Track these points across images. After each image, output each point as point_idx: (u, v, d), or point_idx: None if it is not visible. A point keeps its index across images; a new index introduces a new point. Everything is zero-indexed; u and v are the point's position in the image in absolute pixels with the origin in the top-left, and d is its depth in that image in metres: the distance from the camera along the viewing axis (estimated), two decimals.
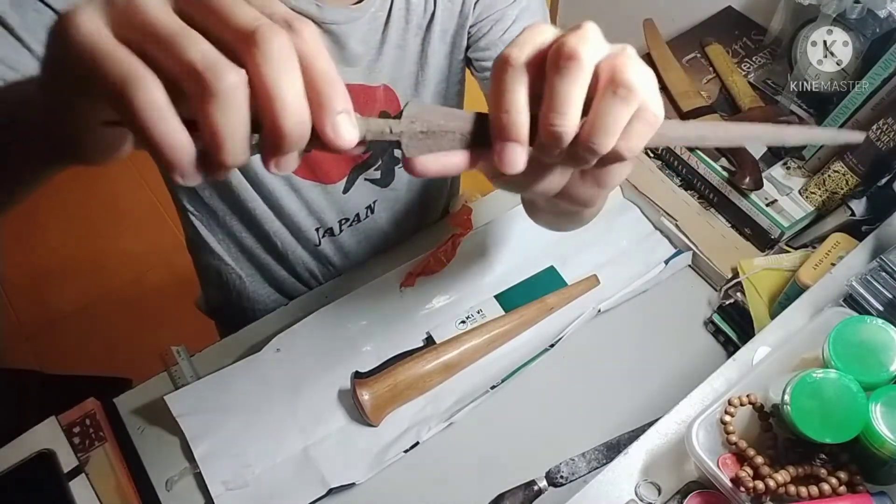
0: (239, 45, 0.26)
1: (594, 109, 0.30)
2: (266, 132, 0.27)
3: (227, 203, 0.78)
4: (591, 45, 0.30)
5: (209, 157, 0.26)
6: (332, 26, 0.63)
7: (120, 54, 0.25)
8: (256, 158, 0.70)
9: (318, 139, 0.28)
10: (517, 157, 0.31)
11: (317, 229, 0.82)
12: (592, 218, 0.52)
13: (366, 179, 0.79)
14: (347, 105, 0.28)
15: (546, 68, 0.30)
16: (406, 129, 0.31)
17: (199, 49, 0.25)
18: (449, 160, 0.32)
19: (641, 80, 0.30)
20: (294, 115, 0.26)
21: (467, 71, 0.77)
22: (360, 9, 0.64)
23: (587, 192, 0.38)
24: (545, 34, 0.31)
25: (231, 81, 0.25)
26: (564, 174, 0.35)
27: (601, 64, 0.30)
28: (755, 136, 0.36)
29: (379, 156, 0.77)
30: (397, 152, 0.78)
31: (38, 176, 0.39)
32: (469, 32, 0.71)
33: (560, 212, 0.51)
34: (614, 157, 0.31)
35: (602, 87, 0.30)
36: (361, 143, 0.30)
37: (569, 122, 0.30)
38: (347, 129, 0.28)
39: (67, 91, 0.28)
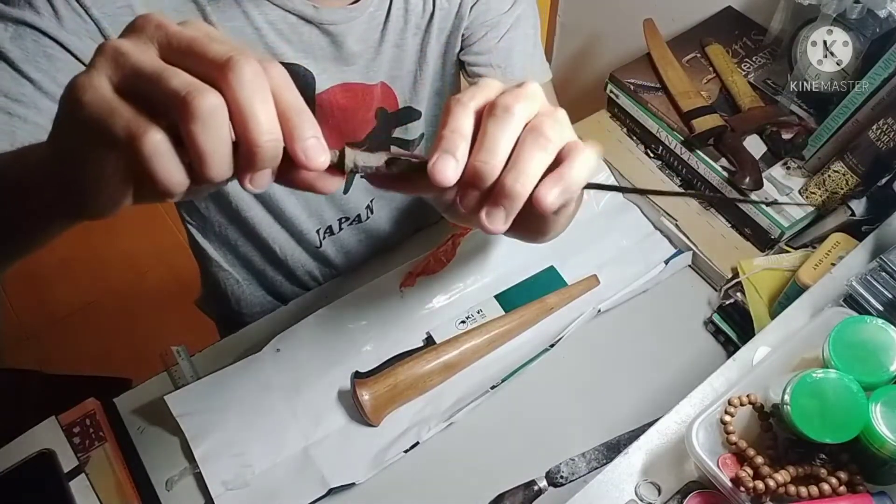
0: (216, 73, 0.29)
1: (514, 154, 0.34)
2: (242, 149, 0.29)
3: (224, 214, 0.79)
4: (525, 103, 0.35)
5: (196, 173, 0.29)
6: (330, 26, 0.63)
7: (123, 109, 0.29)
8: None
9: (292, 166, 0.31)
10: (448, 166, 0.34)
11: (318, 230, 0.82)
12: (557, 234, 0.53)
13: (362, 177, 0.79)
14: (316, 132, 0.31)
15: (483, 116, 0.35)
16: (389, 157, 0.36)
17: (182, 79, 0.28)
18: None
19: (561, 136, 0.35)
20: (267, 132, 0.29)
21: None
22: (357, 8, 0.64)
23: (531, 228, 0.42)
24: (492, 88, 0.36)
25: (211, 102, 0.28)
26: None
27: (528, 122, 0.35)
28: None
29: (374, 150, 0.77)
30: (393, 149, 0.78)
31: (43, 235, 0.42)
32: (463, 35, 0.72)
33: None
34: (539, 207, 0.35)
35: (523, 136, 0.35)
36: (353, 171, 0.34)
37: (493, 159, 0.34)
38: (318, 153, 0.31)
39: (80, 144, 0.31)
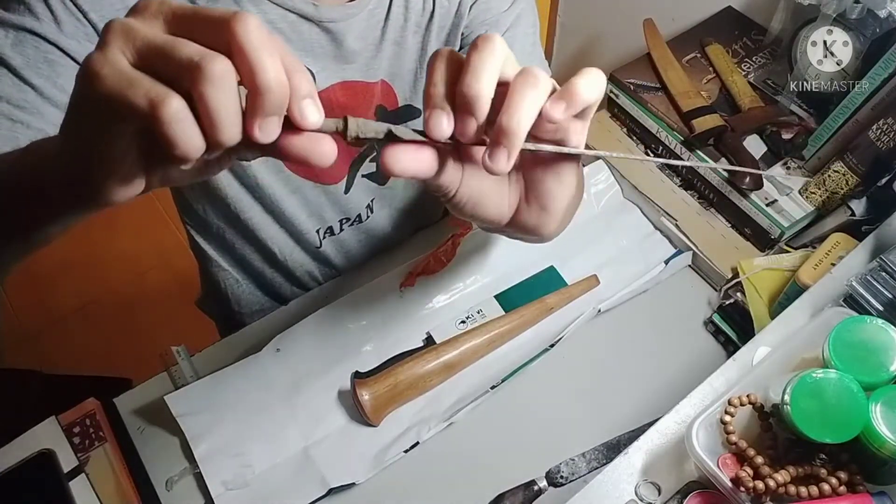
0: (223, 28, 0.30)
1: (508, 95, 0.35)
2: (251, 96, 0.31)
3: (223, 217, 0.79)
4: (506, 43, 0.36)
5: (209, 137, 0.31)
6: (330, 24, 0.63)
7: (142, 79, 0.30)
8: (254, 164, 0.71)
9: (290, 131, 0.33)
10: (440, 120, 0.35)
11: (318, 230, 0.82)
12: (558, 233, 0.55)
13: (363, 176, 0.79)
14: (312, 92, 0.32)
15: (467, 51, 0.35)
16: (393, 127, 0.36)
17: (192, 47, 0.30)
18: (417, 155, 0.37)
19: (552, 81, 0.36)
20: (274, 78, 0.30)
21: None
22: (357, 6, 0.64)
23: (533, 219, 0.42)
24: None
25: (222, 66, 0.29)
26: (512, 196, 0.40)
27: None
28: None
29: (374, 147, 0.77)
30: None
31: (48, 231, 0.43)
32: (462, 34, 0.72)
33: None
34: (549, 120, 0.36)
35: (515, 78, 0.35)
36: (358, 140, 0.35)
37: (478, 82, 0.34)
38: (312, 112, 0.32)
39: (98, 121, 0.31)
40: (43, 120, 0.53)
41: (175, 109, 0.29)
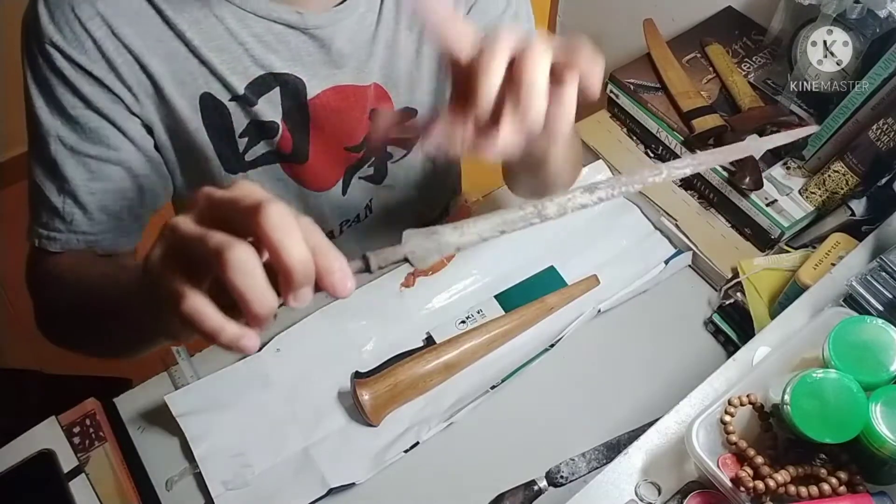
0: (249, 219, 0.33)
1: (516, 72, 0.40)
2: (280, 276, 0.34)
3: None
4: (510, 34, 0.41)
5: (245, 312, 0.34)
6: (316, 31, 0.62)
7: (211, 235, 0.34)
8: (252, 172, 0.70)
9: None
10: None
11: None
12: (571, 183, 0.57)
13: (360, 178, 0.79)
14: (342, 264, 0.35)
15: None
16: (408, 252, 0.38)
17: (216, 238, 0.34)
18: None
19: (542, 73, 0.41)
20: (298, 261, 0.33)
21: None
22: (345, 10, 0.63)
23: (541, 146, 0.49)
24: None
25: (240, 252, 0.33)
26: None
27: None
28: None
29: (372, 154, 0.77)
30: (389, 149, 0.78)
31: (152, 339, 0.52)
32: None
33: (532, 177, 0.59)
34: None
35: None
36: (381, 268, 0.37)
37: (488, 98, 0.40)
38: (345, 286, 0.35)
39: (179, 270, 0.36)
40: (111, 181, 0.62)
41: (194, 305, 0.34)
